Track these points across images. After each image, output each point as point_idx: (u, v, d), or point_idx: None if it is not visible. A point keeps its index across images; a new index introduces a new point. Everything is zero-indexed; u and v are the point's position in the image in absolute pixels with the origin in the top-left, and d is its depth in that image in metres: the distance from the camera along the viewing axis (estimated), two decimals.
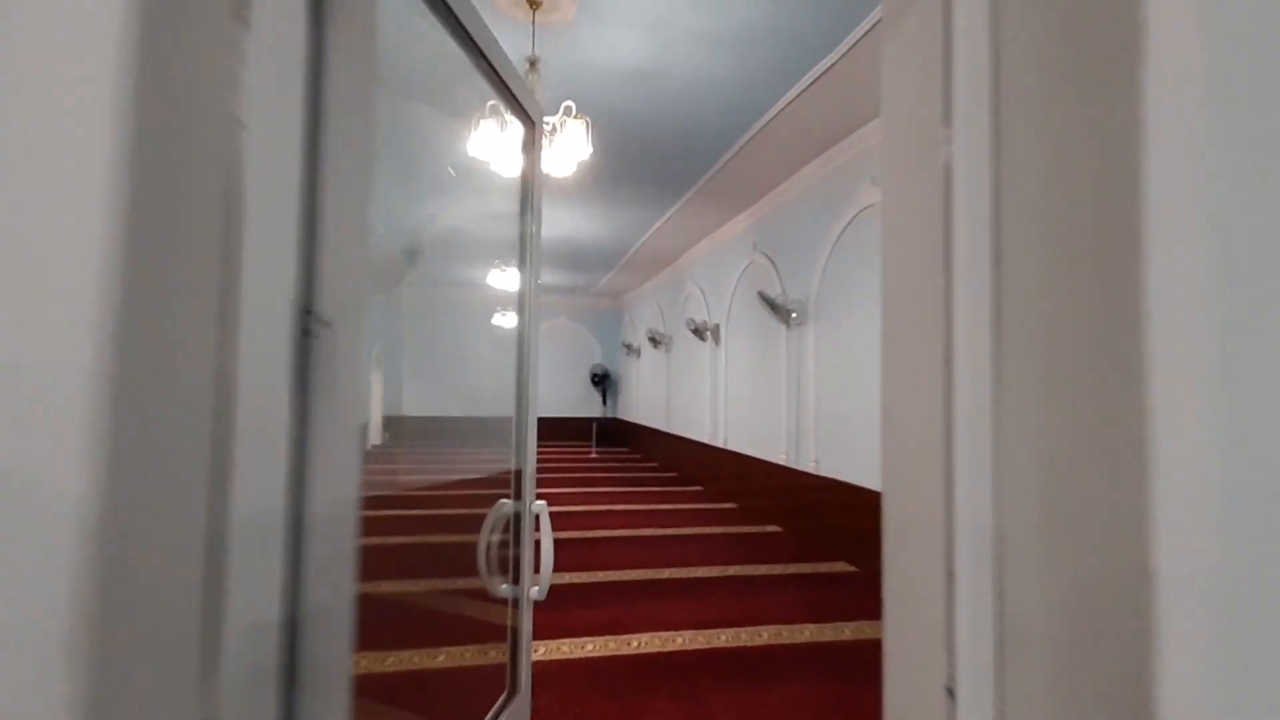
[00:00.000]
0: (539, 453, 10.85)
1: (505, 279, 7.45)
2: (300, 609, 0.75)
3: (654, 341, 10.84)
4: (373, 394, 12.50)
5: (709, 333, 8.30)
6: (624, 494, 8.04)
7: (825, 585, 4.51)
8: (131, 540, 0.54)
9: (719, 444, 7.94)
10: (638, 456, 12.03)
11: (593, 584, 4.44)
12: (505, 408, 2.20)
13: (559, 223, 8.04)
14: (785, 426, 6.14)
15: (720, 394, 7.99)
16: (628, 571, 4.69)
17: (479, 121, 3.06)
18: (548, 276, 11.93)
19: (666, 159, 5.72)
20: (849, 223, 5.06)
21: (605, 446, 13.46)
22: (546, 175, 3.68)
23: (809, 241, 5.82)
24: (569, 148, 3.32)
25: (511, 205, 2.14)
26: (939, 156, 0.94)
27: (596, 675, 3.14)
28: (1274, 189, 0.57)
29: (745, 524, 6.38)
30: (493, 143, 3.01)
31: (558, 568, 4.79)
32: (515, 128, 2.61)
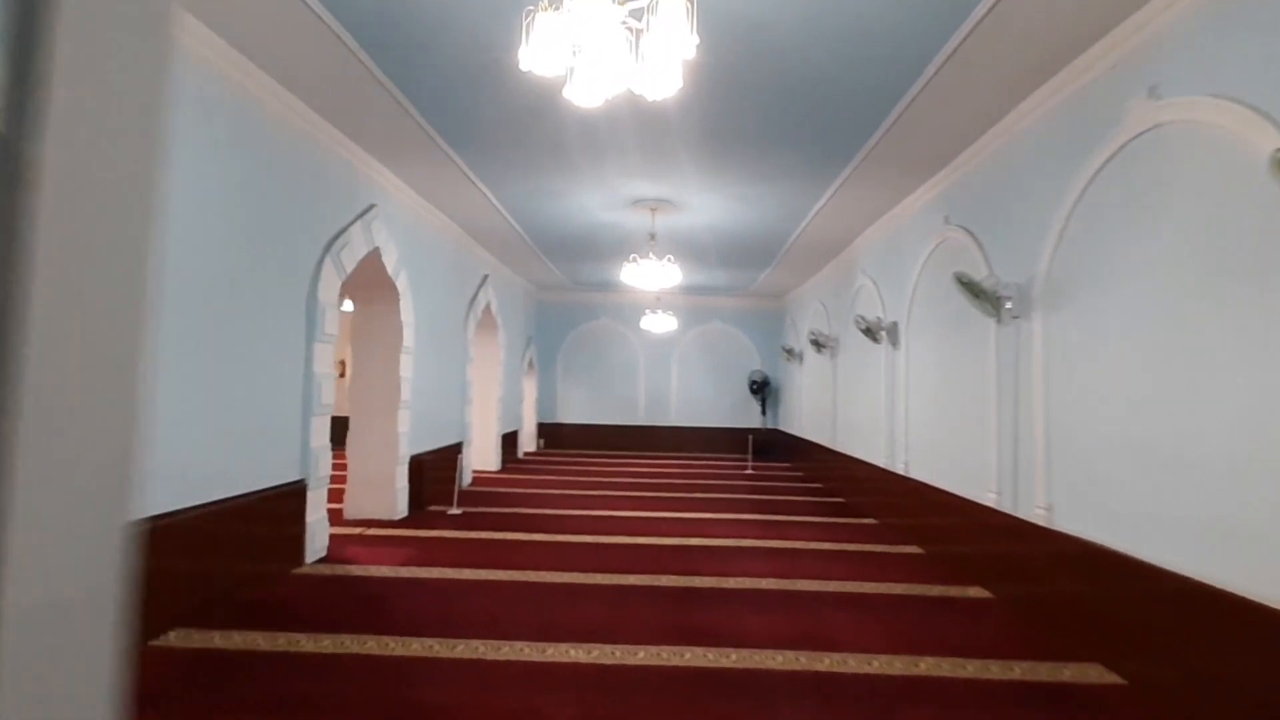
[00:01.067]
0: (689, 465, 9.70)
1: (643, 275, 6.38)
2: None
3: (817, 344, 9.40)
4: (525, 402, 11.32)
5: (884, 332, 6.78)
6: (780, 525, 6.77)
7: (1069, 701, 3.00)
8: None
9: (898, 469, 6.40)
10: (798, 475, 10.60)
11: (723, 671, 3.33)
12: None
13: (705, 209, 7.00)
14: (996, 456, 4.56)
15: (899, 407, 6.45)
16: (780, 654, 3.50)
17: (532, 19, 2.12)
18: (698, 276, 10.94)
19: (829, 112, 4.46)
20: (1106, 162, 3.46)
21: (763, 461, 12.16)
22: (640, 98, 2.66)
23: (1031, 202, 4.23)
24: (665, 41, 2.23)
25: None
26: None
27: None
28: None
29: (935, 580, 4.87)
30: (552, 41, 2.04)
31: (690, 625, 3.76)
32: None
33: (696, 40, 2.25)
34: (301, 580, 4.54)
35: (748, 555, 5.48)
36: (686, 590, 4.49)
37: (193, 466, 3.80)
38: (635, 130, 4.90)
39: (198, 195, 3.75)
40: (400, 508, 6.55)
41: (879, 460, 6.98)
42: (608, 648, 3.48)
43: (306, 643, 3.47)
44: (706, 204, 6.83)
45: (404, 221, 6.53)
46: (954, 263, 5.19)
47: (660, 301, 11.89)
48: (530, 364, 12.77)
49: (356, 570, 4.79)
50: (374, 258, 5.94)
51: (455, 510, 6.96)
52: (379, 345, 6.53)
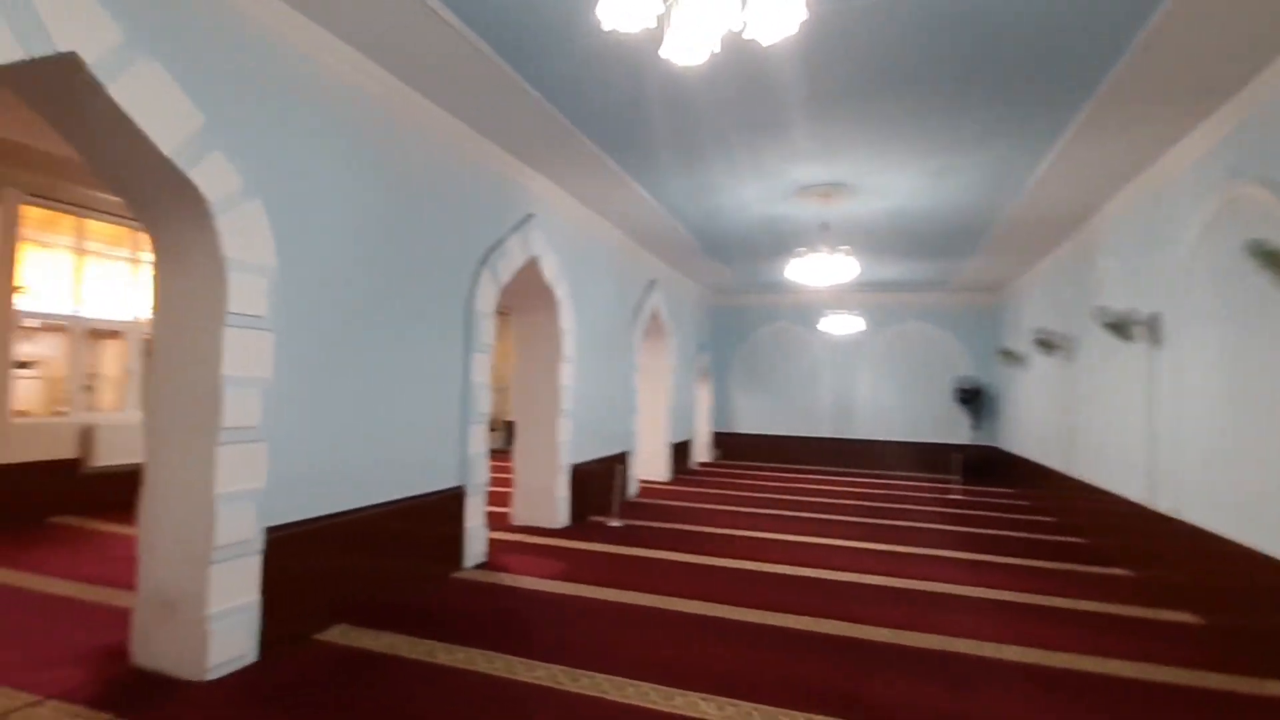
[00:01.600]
0: (880, 484, 8.57)
1: (813, 270, 5.62)
2: None
3: (1044, 345, 7.80)
4: (698, 411, 11.49)
5: (1139, 327, 5.31)
6: (997, 568, 5.59)
7: None
8: None
9: (1160, 508, 4.92)
10: (1023, 504, 8.92)
11: None
12: None
13: (886, 191, 6.07)
14: None
15: (1163, 426, 4.97)
16: None
17: None
18: (888, 269, 9.75)
19: (1049, 39, 3.46)
20: None
21: (974, 483, 10.50)
22: (753, 43, 2.08)
23: None
24: None
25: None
26: None
27: None
28: None
29: (1222, 664, 3.55)
30: None
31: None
32: None
33: None
34: (457, 586, 4.53)
35: (951, 605, 4.49)
36: (859, 644, 3.71)
37: (361, 471, 3.91)
38: (793, 103, 4.25)
39: (356, 216, 3.86)
40: (561, 517, 6.47)
41: (1133, 493, 5.47)
42: (745, 706, 2.90)
43: (441, 653, 3.37)
44: (888, 185, 5.88)
45: (563, 229, 6.47)
46: (1246, 230, 3.80)
47: (844, 301, 10.84)
48: (704, 371, 12.36)
49: (508, 580, 4.70)
50: (531, 267, 5.91)
51: (615, 522, 6.74)
52: (539, 354, 6.54)
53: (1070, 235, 7.27)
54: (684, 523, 6.91)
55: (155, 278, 3.18)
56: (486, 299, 5.13)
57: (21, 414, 6.35)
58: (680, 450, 10.68)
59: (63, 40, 2.39)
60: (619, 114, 4.58)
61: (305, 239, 3.52)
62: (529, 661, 3.29)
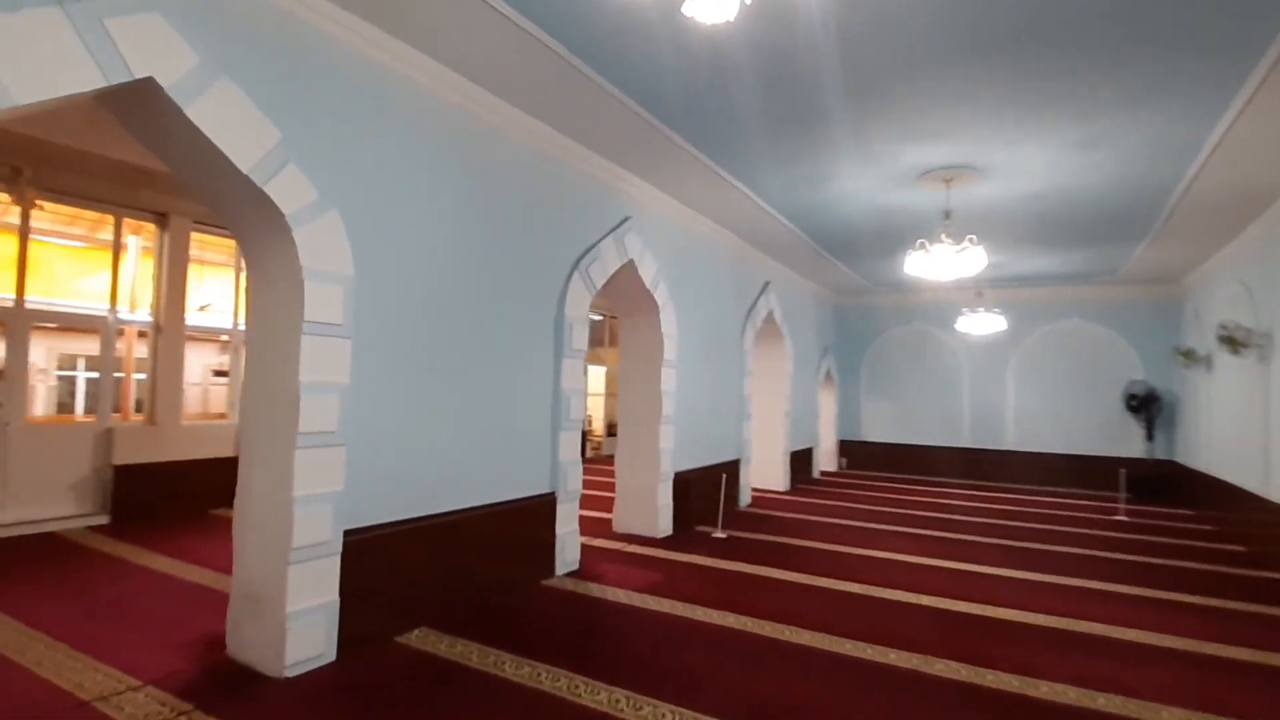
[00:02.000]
0: (1029, 501, 7.51)
1: (934, 263, 5.05)
2: None
3: (1231, 343, 6.50)
4: (821, 417, 10.92)
5: None
6: (1184, 609, 4.66)
7: None
8: None
9: None
10: (1206, 530, 7.50)
11: None
12: None
13: (1021, 169, 5.31)
14: None
15: None
16: None
17: None
18: (1034, 261, 8.66)
19: None
20: None
21: (1146, 503, 9.02)
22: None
23: None
24: None
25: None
26: None
27: None
28: None
29: None
30: None
31: None
32: None
33: None
34: (544, 593, 4.46)
35: (1133, 657, 3.70)
36: (1008, 700, 3.16)
37: (446, 475, 3.95)
38: (899, 69, 3.77)
39: (439, 223, 3.90)
40: (663, 525, 6.26)
41: None
42: None
43: (509, 665, 3.27)
44: (1022, 163, 5.13)
45: (664, 232, 6.28)
46: None
47: (984, 298, 9.77)
48: (828, 375, 11.65)
49: (596, 591, 4.55)
50: (629, 271, 5.77)
51: (720, 533, 6.41)
52: (640, 358, 6.38)
53: (1266, 210, 5.99)
54: (796, 537, 6.44)
55: (247, 288, 3.36)
56: (578, 304, 5.05)
57: (220, 416, 7.16)
58: (800, 459, 10.10)
59: (140, 67, 2.55)
60: (708, 108, 4.34)
61: (386, 247, 3.59)
62: (593, 683, 3.10)
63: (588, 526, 6.42)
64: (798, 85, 4.01)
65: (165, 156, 3.01)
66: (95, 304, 6.91)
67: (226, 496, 6.75)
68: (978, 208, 6.19)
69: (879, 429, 12.07)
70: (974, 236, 5.66)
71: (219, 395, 7.23)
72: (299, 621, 3.12)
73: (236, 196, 3.06)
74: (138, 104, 2.70)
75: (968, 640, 3.82)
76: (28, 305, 6.10)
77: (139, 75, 2.54)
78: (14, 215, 6.07)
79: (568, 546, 4.97)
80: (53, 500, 6.10)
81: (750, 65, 3.76)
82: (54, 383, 11.57)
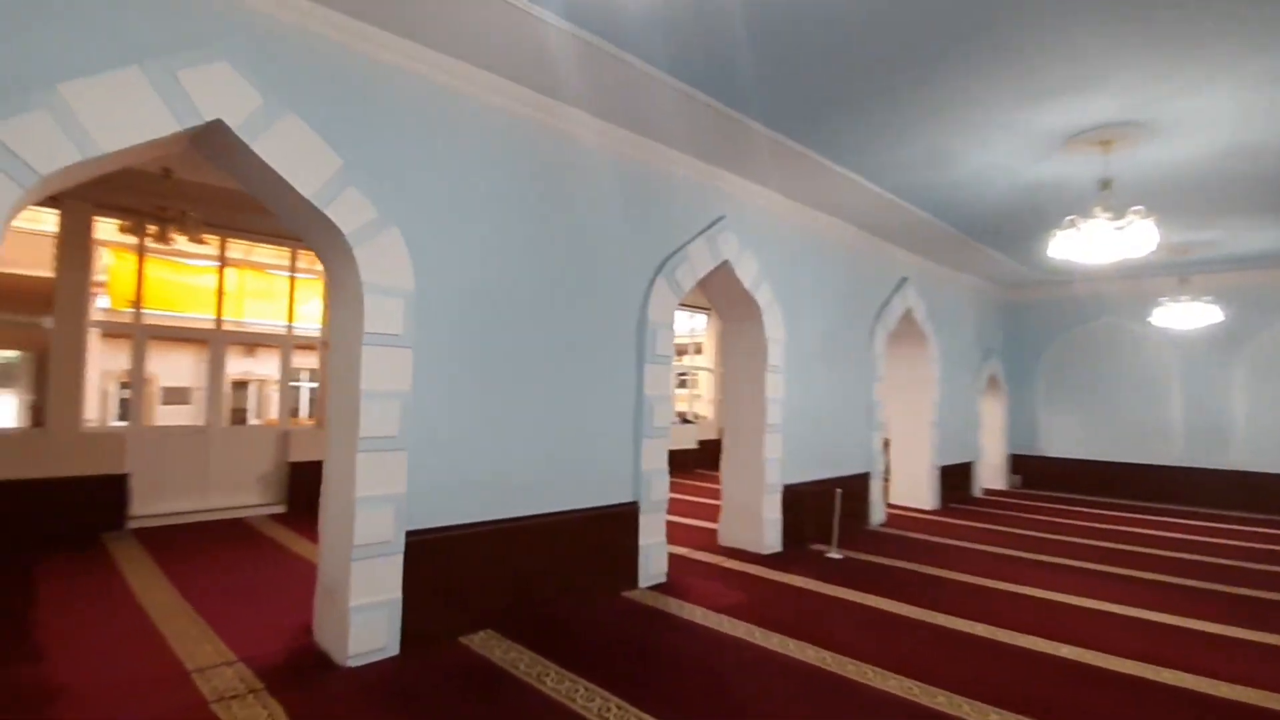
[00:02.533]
0: (1264, 534, 6.35)
1: (1088, 243, 4.39)
2: None
3: None
4: (985, 428, 9.92)
5: None
6: None
7: None
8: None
9: None
10: None
11: None
12: None
13: (1208, 119, 4.29)
14: None
15: None
16: None
17: None
18: (1261, 235, 6.97)
19: None
20: None
21: None
22: None
23: None
24: None
25: None
26: None
27: None
28: None
29: None
30: None
31: None
32: None
33: None
34: (618, 605, 4.36)
35: None
36: None
37: (514, 481, 4.02)
38: (1018, 6, 3.20)
39: (507, 234, 4.00)
40: (769, 541, 5.88)
41: None
42: None
43: (550, 679, 3.21)
44: (1201, 112, 4.12)
45: (766, 228, 5.94)
46: None
47: (1189, 285, 8.10)
48: (992, 381, 10.31)
49: (673, 607, 4.36)
50: (724, 272, 5.53)
51: (834, 554, 5.88)
52: (743, 364, 6.08)
53: None
54: (930, 564, 5.70)
55: (325, 302, 3.67)
56: (662, 308, 4.92)
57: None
58: (955, 475, 9.02)
59: (209, 111, 2.87)
60: (789, 91, 4.03)
61: (449, 261, 3.74)
62: (626, 708, 2.93)
63: (694, 538, 6.24)
64: (895, 54, 3.56)
65: (246, 185, 3.38)
66: (274, 322, 8.06)
67: None
68: (1147, 173, 5.11)
69: (1061, 442, 10.44)
70: (1140, 208, 4.65)
71: None
72: (361, 615, 3.32)
73: (305, 218, 3.35)
74: (213, 143, 3.06)
75: None
76: (224, 327, 7.28)
77: (209, 118, 2.87)
78: (210, 250, 7.27)
79: (652, 558, 4.83)
80: (243, 491, 7.17)
81: (834, 40, 3.42)
82: (229, 390, 13.71)
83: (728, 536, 6.14)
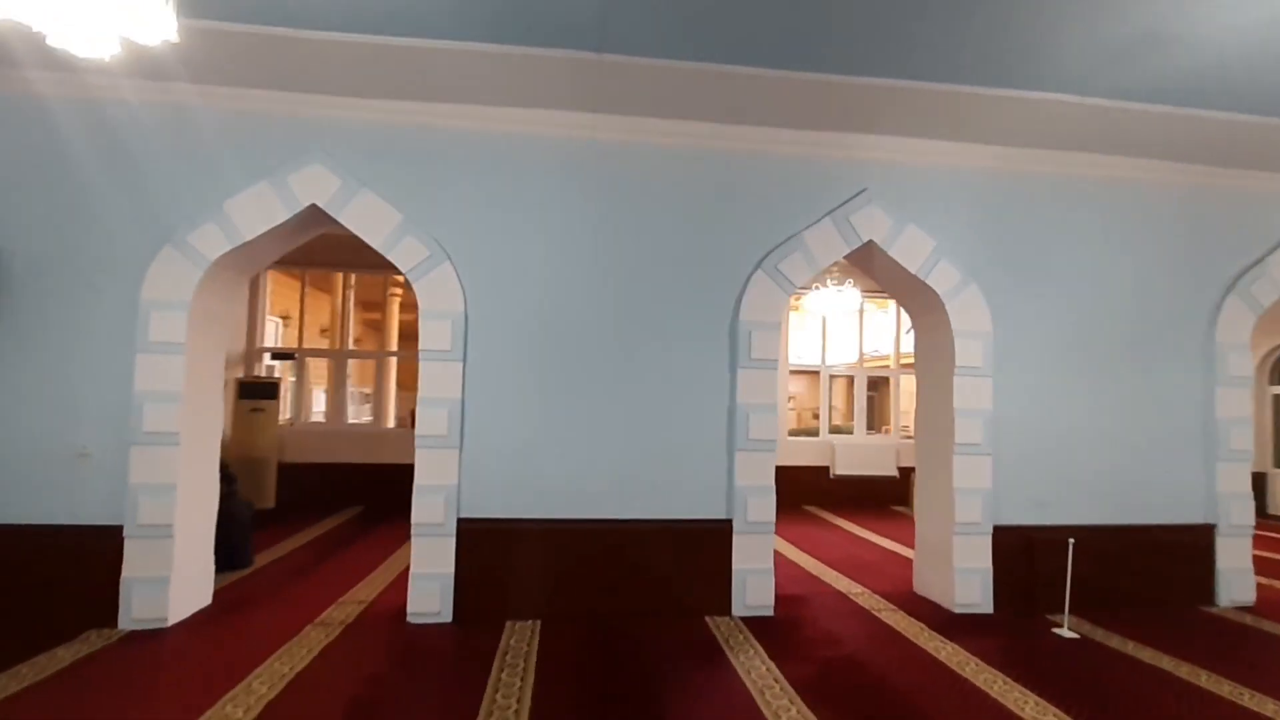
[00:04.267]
0: None
1: None
2: None
3: None
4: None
5: None
6: None
7: None
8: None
9: None
10: None
11: None
12: None
13: None
14: None
15: None
16: None
17: None
18: None
19: None
20: None
21: None
22: None
23: None
24: None
25: None
26: None
27: None
28: None
29: None
30: None
31: None
32: None
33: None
34: (689, 630, 4.07)
35: None
36: None
37: (580, 485, 4.25)
38: None
39: (574, 250, 4.33)
40: (965, 597, 4.48)
41: None
42: None
43: (505, 676, 3.34)
44: None
45: (939, 193, 4.67)
46: None
47: None
48: None
49: (740, 653, 3.85)
50: (877, 256, 4.60)
51: (1066, 631, 4.12)
52: (929, 367, 4.91)
53: None
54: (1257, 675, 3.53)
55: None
56: (761, 307, 4.43)
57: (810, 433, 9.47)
58: None
59: (305, 199, 4.07)
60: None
61: (500, 283, 4.24)
62: None
63: (884, 578, 5.20)
64: None
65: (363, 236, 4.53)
66: None
67: (813, 497, 8.91)
68: None
69: None
70: None
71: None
72: (421, 584, 4.04)
73: (384, 261, 4.32)
74: (316, 219, 4.26)
75: None
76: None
77: (305, 204, 4.08)
78: None
79: (751, 586, 4.31)
80: None
81: None
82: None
83: (920, 582, 4.93)
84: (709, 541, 4.34)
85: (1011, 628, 4.24)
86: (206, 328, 4.14)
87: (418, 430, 4.10)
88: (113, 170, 3.96)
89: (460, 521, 4.12)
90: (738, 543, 4.34)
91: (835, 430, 10.09)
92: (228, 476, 6.09)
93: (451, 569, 4.08)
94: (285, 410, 9.51)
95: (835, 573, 5.51)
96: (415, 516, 4.06)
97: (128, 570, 3.83)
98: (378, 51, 3.76)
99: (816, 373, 9.95)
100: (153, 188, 3.98)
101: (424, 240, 4.18)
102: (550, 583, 4.18)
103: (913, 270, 4.59)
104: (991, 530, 4.56)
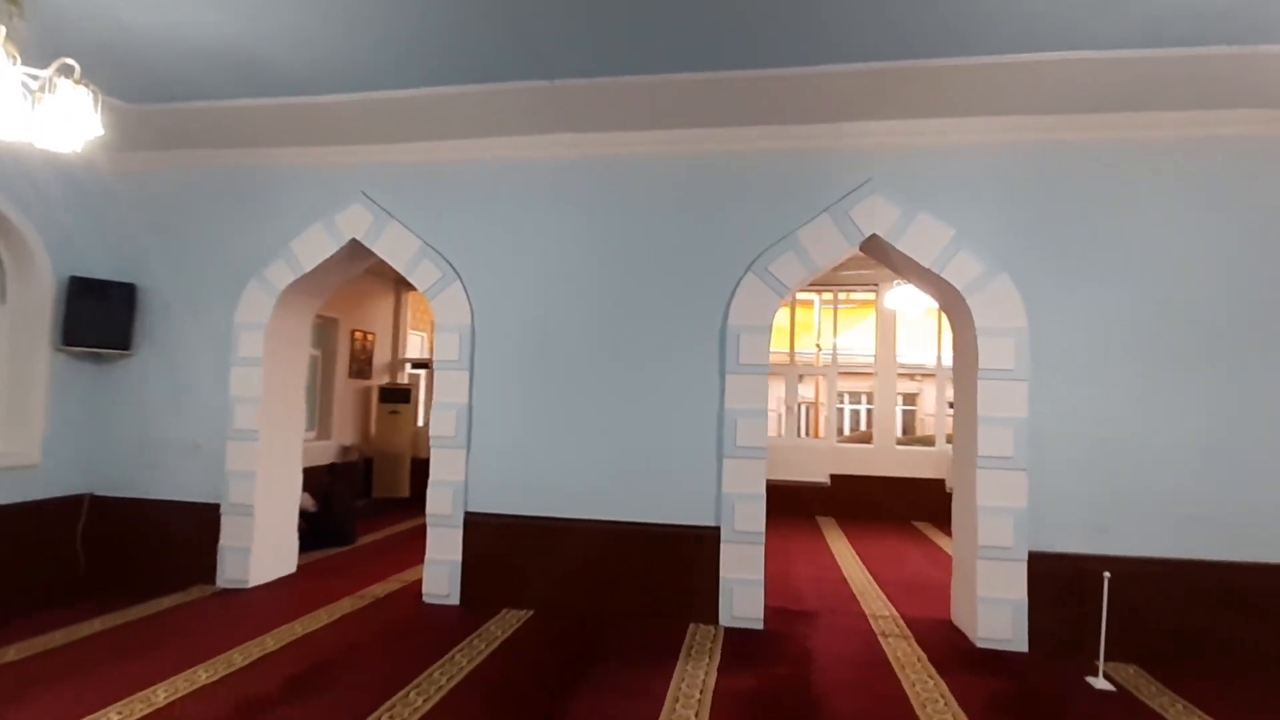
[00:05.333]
0: None
1: None
2: None
3: None
4: None
5: None
6: None
7: None
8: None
9: None
10: None
11: None
12: None
13: None
14: None
15: None
16: None
17: None
18: None
19: None
20: None
21: None
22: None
23: None
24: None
25: None
26: None
27: None
28: None
29: None
30: None
31: None
32: None
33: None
34: (664, 632, 4.12)
35: None
36: None
37: (571, 486, 4.49)
38: None
39: (568, 265, 4.63)
40: (990, 631, 3.95)
41: None
42: None
43: (479, 646, 3.70)
44: None
45: (954, 176, 4.18)
46: None
47: None
48: None
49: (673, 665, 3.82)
50: (888, 251, 4.27)
51: (1101, 682, 3.46)
52: (958, 371, 4.34)
53: None
54: None
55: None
56: (750, 311, 4.33)
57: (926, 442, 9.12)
58: None
59: (347, 234, 4.81)
60: None
61: (503, 299, 4.63)
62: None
63: (922, 603, 4.74)
64: None
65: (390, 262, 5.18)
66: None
67: (926, 512, 8.27)
68: None
69: None
70: None
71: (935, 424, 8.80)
72: (433, 568, 4.56)
73: (402, 280, 4.93)
74: (357, 250, 4.96)
75: None
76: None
77: (348, 239, 4.81)
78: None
79: (738, 596, 4.21)
80: None
81: None
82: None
83: (955, 611, 4.43)
84: (698, 548, 4.32)
85: (1037, 670, 3.67)
86: (280, 343, 5.04)
87: (431, 431, 4.63)
88: (211, 223, 5.02)
89: (467, 515, 4.58)
90: (725, 551, 4.27)
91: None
92: (334, 469, 7.22)
93: (459, 557, 4.55)
94: (419, 412, 10.87)
95: (879, 592, 5.11)
96: (429, 508, 4.59)
97: (223, 539, 4.83)
98: (389, 104, 4.35)
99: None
100: (240, 235, 4.97)
101: (437, 262, 4.71)
102: (547, 577, 4.47)
103: (926, 264, 4.17)
104: (1027, 556, 3.97)
